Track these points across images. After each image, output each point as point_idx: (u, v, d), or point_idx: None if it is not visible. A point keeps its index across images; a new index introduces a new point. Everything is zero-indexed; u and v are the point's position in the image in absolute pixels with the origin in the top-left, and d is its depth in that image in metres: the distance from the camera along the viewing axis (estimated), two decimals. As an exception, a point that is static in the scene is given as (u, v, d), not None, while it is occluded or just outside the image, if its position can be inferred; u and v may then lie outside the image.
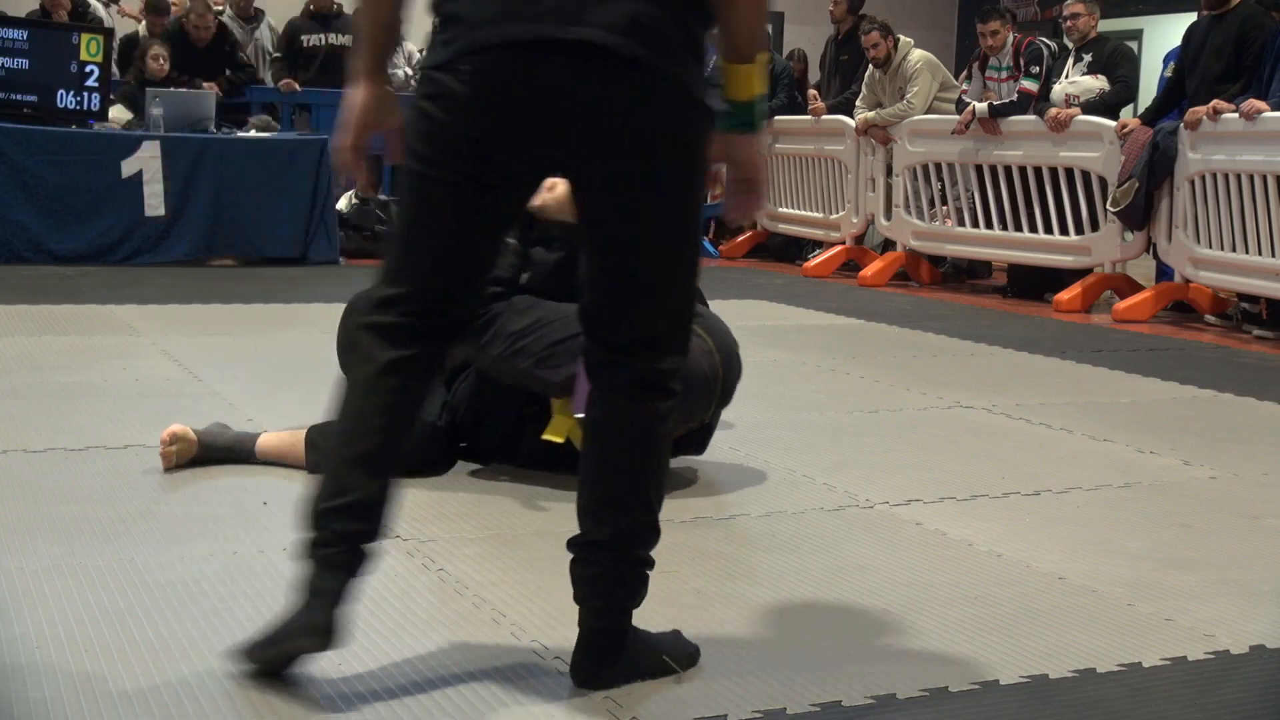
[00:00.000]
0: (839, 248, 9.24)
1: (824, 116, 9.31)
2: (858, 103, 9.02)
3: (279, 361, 4.91)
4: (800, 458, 3.65)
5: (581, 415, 2.21)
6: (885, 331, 6.45)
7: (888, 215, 8.89)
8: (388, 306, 1.96)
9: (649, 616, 2.35)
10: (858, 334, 6.40)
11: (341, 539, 1.93)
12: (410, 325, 1.96)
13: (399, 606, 2.36)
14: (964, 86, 8.65)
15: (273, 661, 1.98)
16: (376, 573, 2.53)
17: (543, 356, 3.08)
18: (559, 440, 3.15)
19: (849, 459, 3.68)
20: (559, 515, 2.98)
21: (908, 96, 8.64)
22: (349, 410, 1.97)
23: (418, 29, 2.34)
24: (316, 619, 1.93)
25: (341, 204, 8.98)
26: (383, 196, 9.31)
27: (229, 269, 7.95)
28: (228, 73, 9.16)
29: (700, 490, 3.26)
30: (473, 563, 2.63)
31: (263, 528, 2.79)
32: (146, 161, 7.85)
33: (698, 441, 3.37)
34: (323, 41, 9.47)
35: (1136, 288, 7.51)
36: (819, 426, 3.99)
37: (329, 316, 6.31)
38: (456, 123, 1.87)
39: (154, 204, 7.90)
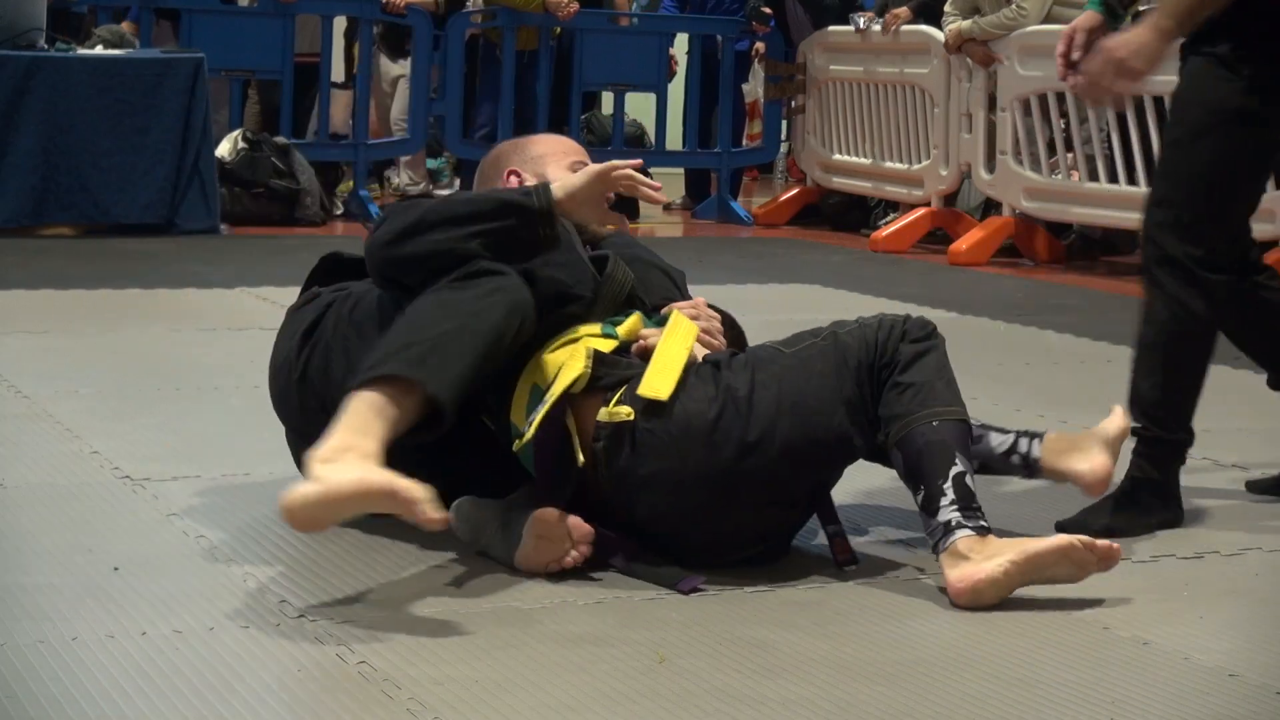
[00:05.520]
0: (921, 211, 9.25)
1: (902, 27, 9.32)
2: (948, 8, 9.04)
3: (136, 371, 4.91)
4: (874, 510, 3.64)
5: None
6: (986, 330, 6.45)
7: (990, 166, 8.89)
8: None
9: (655, 728, 2.34)
10: (948, 333, 6.35)
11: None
12: None
13: (303, 714, 2.36)
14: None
15: None
16: (269, 667, 2.53)
17: None
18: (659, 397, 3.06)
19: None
20: (524, 584, 2.97)
21: (1017, 0, 8.65)
22: None
23: None
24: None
25: (223, 149, 8.96)
26: (281, 140, 9.29)
27: (65, 240, 7.95)
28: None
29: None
30: (408, 652, 2.63)
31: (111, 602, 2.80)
32: (-52, 89, 7.87)
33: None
34: None
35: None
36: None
37: (206, 307, 6.32)
38: None
39: (-43, 149, 7.90)
